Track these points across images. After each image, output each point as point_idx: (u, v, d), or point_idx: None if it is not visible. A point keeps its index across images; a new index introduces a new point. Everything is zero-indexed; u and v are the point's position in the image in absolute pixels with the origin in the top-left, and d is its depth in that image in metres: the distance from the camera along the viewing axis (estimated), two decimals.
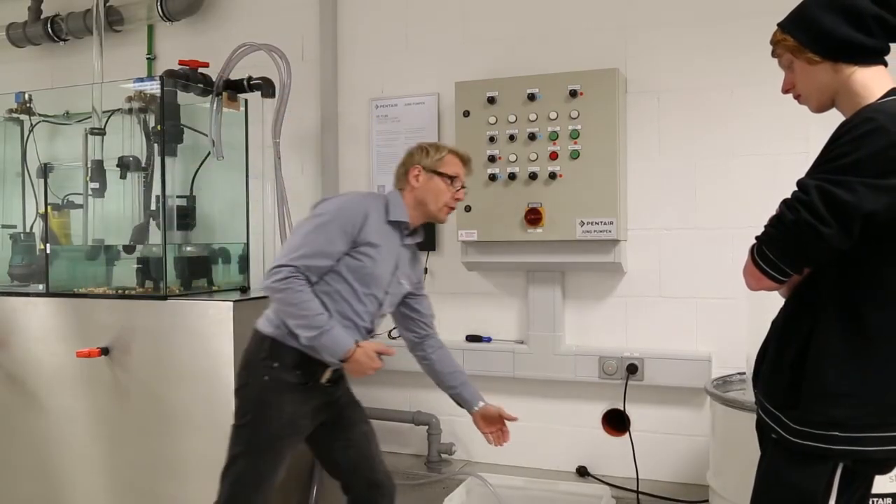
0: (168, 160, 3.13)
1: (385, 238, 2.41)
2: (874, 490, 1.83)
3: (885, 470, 1.74)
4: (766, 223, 1.64)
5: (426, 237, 3.48)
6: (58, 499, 3.21)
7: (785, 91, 1.79)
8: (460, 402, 2.66)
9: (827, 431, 1.60)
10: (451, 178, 2.48)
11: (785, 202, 1.60)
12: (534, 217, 3.10)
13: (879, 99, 1.61)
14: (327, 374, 2.40)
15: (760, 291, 1.71)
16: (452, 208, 2.54)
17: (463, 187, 2.55)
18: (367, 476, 2.57)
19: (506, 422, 2.64)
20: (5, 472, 3.32)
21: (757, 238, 1.66)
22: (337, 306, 2.34)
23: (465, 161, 2.55)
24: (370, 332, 2.48)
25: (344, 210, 2.34)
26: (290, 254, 2.27)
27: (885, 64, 1.68)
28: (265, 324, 2.37)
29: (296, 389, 2.34)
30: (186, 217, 3.28)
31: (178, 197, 3.23)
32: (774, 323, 1.77)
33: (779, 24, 1.75)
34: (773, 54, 1.77)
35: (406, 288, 2.55)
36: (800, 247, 1.58)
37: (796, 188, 1.59)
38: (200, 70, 3.28)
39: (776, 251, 1.61)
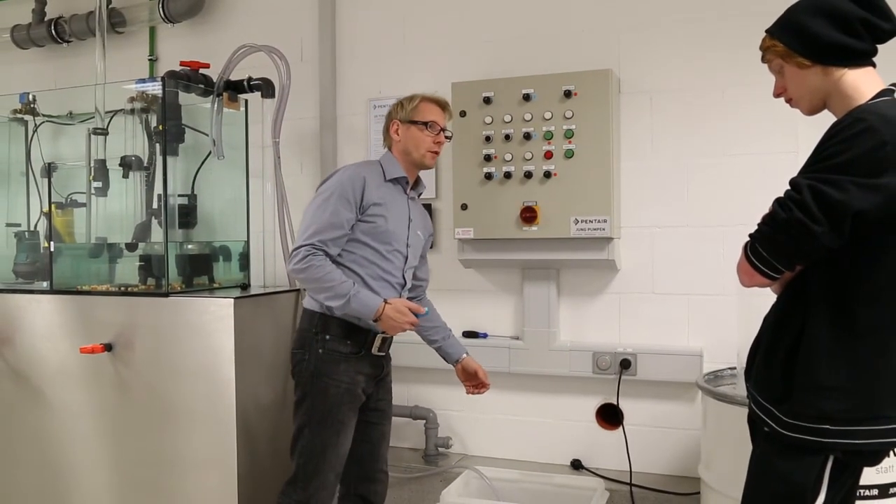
0: (170, 159, 3.16)
1: (389, 196, 2.53)
2: (862, 482, 1.86)
3: (875, 462, 1.77)
4: (759, 221, 1.67)
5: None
6: (61, 493, 3.23)
7: (776, 95, 1.81)
8: (444, 355, 2.80)
9: (818, 424, 1.62)
10: (427, 124, 2.57)
11: (778, 201, 1.63)
12: (529, 215, 3.13)
13: (870, 100, 1.64)
14: (377, 343, 2.53)
15: (751, 288, 1.74)
16: (436, 153, 2.63)
17: (443, 131, 2.62)
18: (368, 471, 2.65)
19: (485, 382, 2.80)
20: (10, 467, 3.34)
21: (750, 236, 1.69)
22: (366, 270, 2.47)
23: (441, 105, 2.64)
24: (404, 286, 2.62)
25: (342, 182, 2.45)
26: (303, 234, 2.41)
27: (874, 65, 1.71)
28: (311, 302, 2.52)
29: (349, 359, 2.48)
30: (188, 215, 3.31)
31: (179, 196, 3.26)
32: (766, 318, 1.80)
33: (767, 30, 1.77)
34: (763, 60, 1.80)
35: (422, 239, 2.69)
36: (792, 244, 1.61)
37: (789, 187, 1.61)
38: (201, 71, 3.31)
39: (769, 249, 1.64)
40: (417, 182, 2.70)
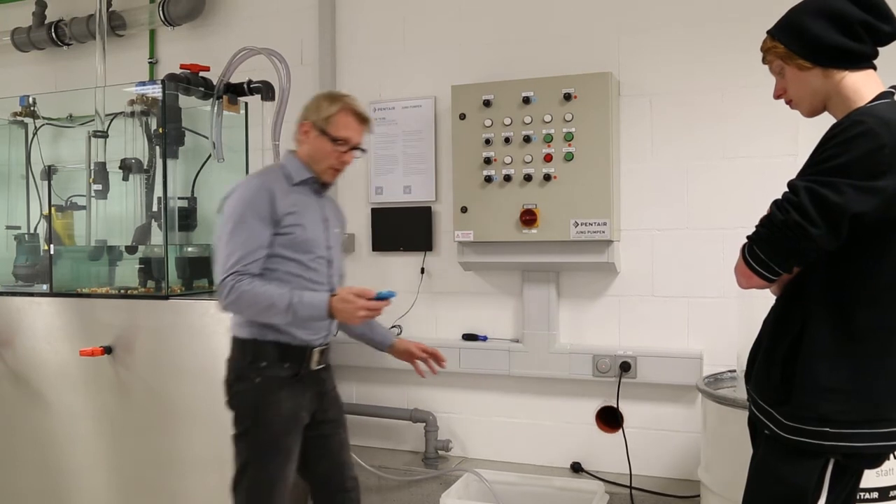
0: (170, 162, 3.17)
1: (301, 201, 2.35)
2: (862, 485, 1.85)
3: (875, 464, 1.76)
4: (757, 223, 1.67)
5: (422, 238, 3.56)
6: (62, 495, 3.24)
7: (777, 97, 1.81)
8: (373, 345, 2.66)
9: (818, 427, 1.62)
10: (337, 140, 2.34)
11: (775, 203, 1.63)
12: (529, 218, 3.13)
13: (870, 102, 1.63)
14: (315, 358, 2.38)
15: (750, 291, 1.74)
16: (339, 170, 2.41)
17: (356, 148, 2.40)
18: (336, 484, 2.53)
19: (441, 357, 2.60)
20: (10, 469, 3.35)
21: (748, 238, 1.69)
22: (292, 286, 2.28)
23: (361, 120, 2.39)
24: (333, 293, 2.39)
25: (248, 199, 2.27)
26: (224, 265, 2.23)
27: (875, 67, 1.70)
28: (239, 329, 2.34)
29: (290, 383, 2.32)
30: (188, 218, 3.32)
31: (179, 198, 3.27)
32: (766, 321, 1.80)
33: (768, 32, 1.77)
34: (764, 61, 1.80)
35: (340, 235, 2.52)
36: (789, 247, 1.61)
37: (787, 189, 1.61)
38: (201, 74, 3.31)
39: (766, 251, 1.64)
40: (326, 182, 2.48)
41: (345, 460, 2.54)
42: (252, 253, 2.23)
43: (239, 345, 2.34)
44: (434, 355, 2.61)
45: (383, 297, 2.25)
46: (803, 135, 2.65)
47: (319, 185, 2.44)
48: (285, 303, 2.19)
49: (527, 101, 3.17)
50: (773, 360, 1.72)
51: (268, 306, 2.20)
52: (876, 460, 1.74)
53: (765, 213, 1.66)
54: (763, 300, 1.82)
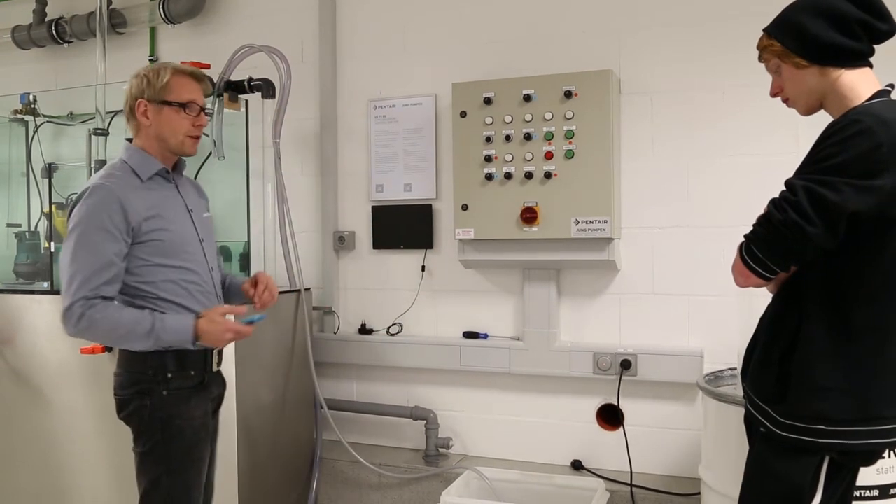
0: None
1: (158, 199, 2.15)
2: (862, 482, 1.87)
3: (869, 462, 1.78)
4: (754, 222, 1.68)
5: (423, 235, 3.56)
6: (62, 493, 3.24)
7: (773, 95, 1.82)
8: (233, 292, 2.40)
9: (813, 425, 1.63)
10: (185, 106, 2.16)
11: (773, 202, 1.64)
12: (529, 216, 3.13)
13: (866, 100, 1.64)
14: (216, 359, 2.25)
15: (751, 288, 1.75)
16: (197, 137, 2.23)
17: (203, 110, 2.22)
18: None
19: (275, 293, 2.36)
20: (10, 467, 3.35)
21: (745, 236, 1.70)
22: (172, 294, 2.12)
23: (197, 77, 2.21)
24: (221, 288, 2.32)
25: (93, 212, 2.03)
26: (69, 289, 2.01)
27: (871, 65, 1.71)
28: None
29: (197, 391, 2.19)
30: None
31: None
32: (762, 319, 1.81)
33: (765, 30, 1.77)
34: (760, 59, 1.80)
35: (209, 217, 2.36)
36: (786, 245, 1.62)
37: (784, 188, 1.62)
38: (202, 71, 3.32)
39: (764, 249, 1.65)
40: (178, 163, 2.29)
41: (210, 475, 2.35)
42: (99, 273, 2.01)
43: (137, 358, 2.13)
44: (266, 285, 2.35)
45: (252, 322, 2.14)
46: (804, 133, 2.65)
47: (171, 173, 2.24)
48: (145, 329, 2.02)
49: (527, 98, 3.17)
50: (769, 358, 1.73)
51: (126, 332, 2.04)
52: (870, 458, 1.75)
53: (762, 211, 1.67)
54: (763, 298, 1.83)
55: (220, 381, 2.35)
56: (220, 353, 2.28)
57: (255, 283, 2.34)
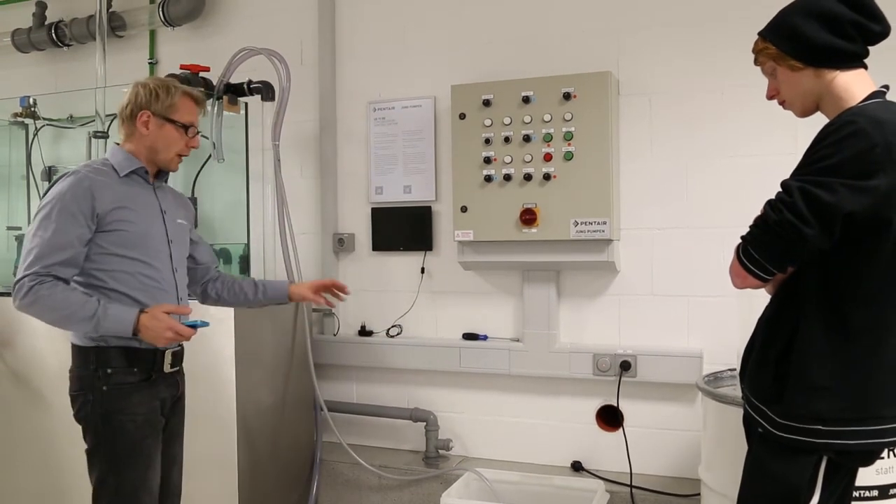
0: None
1: (131, 194, 2.21)
2: (862, 483, 1.87)
3: (867, 462, 1.77)
4: (750, 223, 1.68)
5: (422, 237, 3.57)
6: (62, 493, 3.24)
7: (769, 97, 1.82)
8: (276, 297, 2.60)
9: (810, 425, 1.63)
10: (186, 127, 2.27)
11: (769, 203, 1.64)
12: (529, 217, 3.14)
13: (861, 101, 1.65)
14: (168, 360, 2.25)
15: (749, 289, 1.75)
16: (183, 157, 2.34)
17: (198, 133, 2.34)
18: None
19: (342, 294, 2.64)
20: (10, 469, 3.35)
21: (742, 238, 1.70)
22: (131, 285, 2.16)
23: (199, 103, 2.33)
24: (182, 291, 2.34)
25: (63, 194, 2.09)
26: (25, 262, 2.06)
27: (866, 66, 1.72)
28: (79, 337, 2.20)
29: (141, 387, 2.19)
30: None
31: None
32: (760, 320, 1.81)
33: (760, 33, 1.78)
34: (756, 62, 1.81)
35: (185, 225, 2.41)
36: (783, 246, 1.62)
37: (780, 189, 1.63)
38: (201, 74, 3.31)
39: (760, 250, 1.65)
40: (159, 171, 2.34)
41: (172, 479, 2.37)
42: (56, 252, 2.05)
43: (81, 353, 2.19)
44: (333, 286, 2.62)
45: (195, 326, 2.17)
46: (803, 133, 2.62)
47: (153, 176, 2.30)
48: (88, 313, 2.04)
49: (526, 100, 3.17)
50: (766, 358, 1.73)
51: (68, 315, 2.06)
52: (868, 458, 1.75)
53: (759, 212, 1.67)
54: (763, 298, 1.83)
55: (174, 384, 2.33)
56: (175, 354, 2.29)
57: (320, 288, 2.59)
